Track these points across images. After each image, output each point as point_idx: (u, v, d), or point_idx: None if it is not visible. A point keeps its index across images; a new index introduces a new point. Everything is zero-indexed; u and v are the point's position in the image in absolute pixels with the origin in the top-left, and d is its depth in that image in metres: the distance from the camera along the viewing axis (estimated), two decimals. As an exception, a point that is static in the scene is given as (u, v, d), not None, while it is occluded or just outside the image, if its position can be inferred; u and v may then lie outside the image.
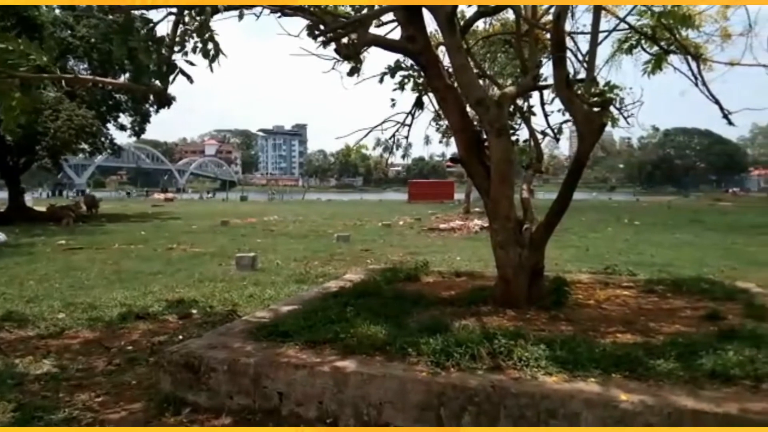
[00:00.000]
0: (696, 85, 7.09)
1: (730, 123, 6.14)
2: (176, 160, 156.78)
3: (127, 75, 28.93)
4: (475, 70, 8.37)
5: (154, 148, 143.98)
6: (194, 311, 8.56)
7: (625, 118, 7.72)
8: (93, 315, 8.22)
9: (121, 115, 36.34)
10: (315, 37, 5.07)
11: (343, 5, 5.67)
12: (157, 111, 35.36)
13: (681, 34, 6.50)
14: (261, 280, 11.31)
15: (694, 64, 7.07)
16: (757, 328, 5.09)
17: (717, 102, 6.11)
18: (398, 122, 10.03)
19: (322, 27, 5.44)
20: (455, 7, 6.29)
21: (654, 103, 9.01)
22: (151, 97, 30.29)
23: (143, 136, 42.04)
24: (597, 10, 5.85)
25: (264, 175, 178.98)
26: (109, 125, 35.76)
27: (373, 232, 25.44)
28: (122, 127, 37.19)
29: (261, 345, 4.90)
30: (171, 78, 5.29)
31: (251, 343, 4.97)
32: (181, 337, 6.97)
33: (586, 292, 7.48)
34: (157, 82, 5.83)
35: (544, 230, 6.75)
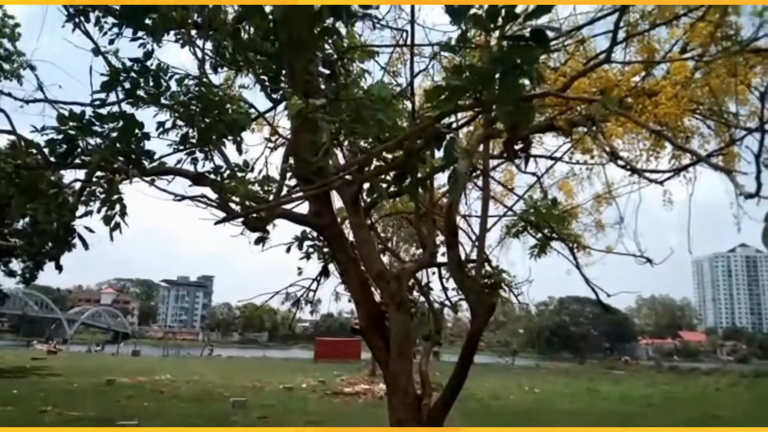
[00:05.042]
0: (577, 268, 7.80)
1: (606, 309, 6.72)
2: (69, 308, 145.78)
3: (27, 219, 27.71)
4: (378, 244, 8.83)
5: (45, 294, 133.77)
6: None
7: (516, 296, 8.28)
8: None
9: (12, 260, 34.14)
10: (223, 221, 5.24)
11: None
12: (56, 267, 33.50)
13: (561, 225, 7.26)
14: (141, 454, 10.28)
15: (576, 251, 7.86)
16: None
17: (593, 290, 6.71)
18: (304, 287, 10.17)
19: (229, 207, 5.65)
20: (360, 188, 6.76)
21: (549, 270, 9.71)
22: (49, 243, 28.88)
23: (35, 282, 39.29)
24: (485, 200, 6.48)
25: (161, 328, 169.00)
26: (-4, 270, 33.42)
27: (273, 396, 24.17)
28: (11, 273, 34.77)
29: None
30: (68, 242, 5.20)
31: None
32: None
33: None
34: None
35: (442, 406, 6.76)
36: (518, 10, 3.00)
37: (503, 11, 2.79)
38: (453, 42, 4.23)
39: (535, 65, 3.01)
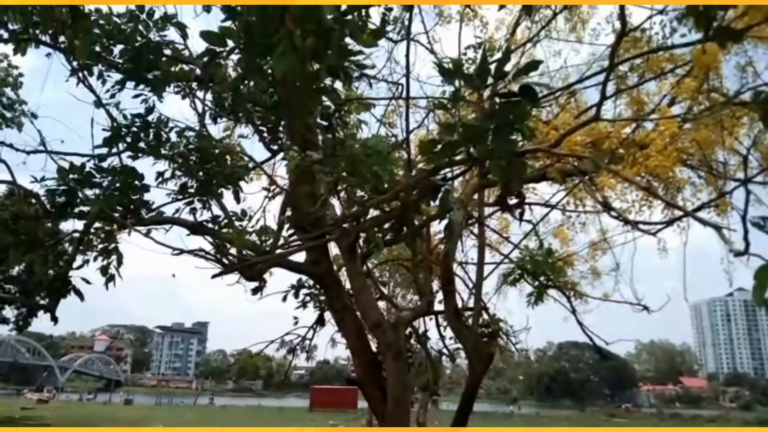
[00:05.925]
0: (574, 315, 7.78)
1: (604, 358, 6.68)
2: (62, 355, 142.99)
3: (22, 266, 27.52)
4: (375, 292, 8.81)
5: (38, 341, 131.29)
6: None
7: (514, 345, 8.22)
8: None
9: (6, 307, 33.73)
10: (220, 275, 5.26)
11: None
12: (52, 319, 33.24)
13: (557, 275, 7.27)
14: None
15: (572, 299, 7.85)
16: None
17: (590, 338, 6.68)
18: (300, 336, 10.09)
19: (225, 260, 5.67)
20: (357, 237, 6.80)
21: (546, 315, 9.66)
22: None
23: (28, 328, 38.63)
24: (481, 249, 6.52)
25: (155, 375, 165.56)
26: (-12, 318, 32.99)
27: (267, 446, 23.59)
28: (4, 320, 34.31)
29: None
30: (64, 294, 5.21)
31: None
32: None
33: None
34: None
35: (439, 459, 6.65)
36: (507, 67, 3.10)
37: (493, 70, 2.89)
38: (447, 95, 4.35)
39: (527, 121, 3.10)
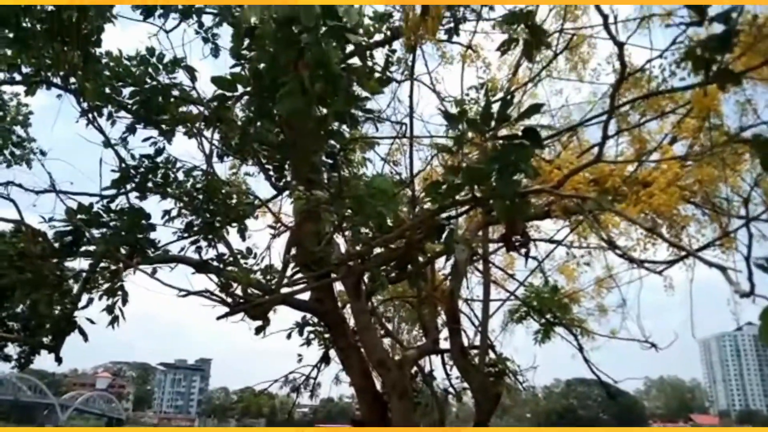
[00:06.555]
0: (581, 352, 7.70)
1: (612, 397, 6.58)
2: (63, 392, 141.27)
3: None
4: (380, 329, 8.76)
5: (40, 379, 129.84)
6: None
7: (521, 383, 8.12)
8: None
9: (8, 344, 33.53)
10: (225, 316, 5.25)
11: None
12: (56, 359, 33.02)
13: (564, 312, 7.24)
14: None
15: (579, 337, 7.79)
16: None
17: (598, 377, 6.60)
18: (304, 375, 9.99)
19: (230, 299, 5.67)
20: (361, 275, 6.80)
21: (554, 351, 9.56)
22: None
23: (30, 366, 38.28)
24: (486, 287, 6.51)
25: (156, 414, 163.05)
26: (-9, 356, 32.75)
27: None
28: (7, 358, 34.07)
29: None
30: (68, 334, 5.19)
31: None
32: None
33: None
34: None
35: (446, 502, 6.50)
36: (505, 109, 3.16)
37: (496, 114, 2.94)
38: (450, 135, 4.41)
39: (530, 162, 3.13)
